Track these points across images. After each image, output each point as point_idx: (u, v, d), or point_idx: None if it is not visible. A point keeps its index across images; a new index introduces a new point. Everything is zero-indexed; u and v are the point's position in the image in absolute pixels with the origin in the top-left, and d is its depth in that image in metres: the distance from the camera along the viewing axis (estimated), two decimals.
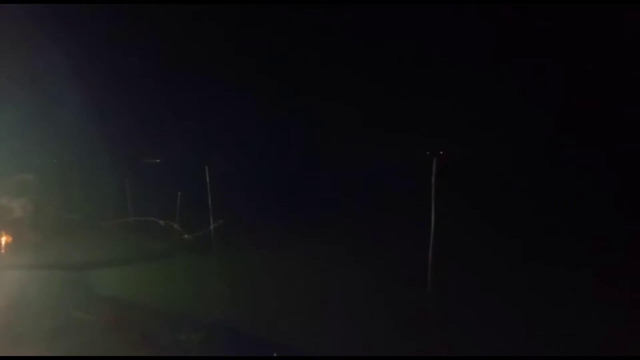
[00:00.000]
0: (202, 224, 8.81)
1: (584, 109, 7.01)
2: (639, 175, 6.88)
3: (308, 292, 6.22)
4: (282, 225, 8.25)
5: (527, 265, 6.48)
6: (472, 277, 6.26)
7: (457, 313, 5.49)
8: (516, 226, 7.22)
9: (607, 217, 7.03)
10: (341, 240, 7.31)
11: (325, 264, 7.03)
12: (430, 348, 4.77)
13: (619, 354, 4.38)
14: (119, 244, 8.40)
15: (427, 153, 7.11)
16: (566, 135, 7.21)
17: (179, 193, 9.33)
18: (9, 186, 9.76)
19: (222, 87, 8.26)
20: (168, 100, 8.30)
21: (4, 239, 8.50)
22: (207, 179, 8.87)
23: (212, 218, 8.84)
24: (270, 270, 7.10)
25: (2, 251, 8.21)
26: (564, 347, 4.58)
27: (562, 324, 5.09)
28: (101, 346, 5.05)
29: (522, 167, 7.62)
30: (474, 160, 7.77)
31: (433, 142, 7.59)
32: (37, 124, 9.76)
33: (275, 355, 4.95)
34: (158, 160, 9.63)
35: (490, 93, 7.33)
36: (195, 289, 6.54)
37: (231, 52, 7.82)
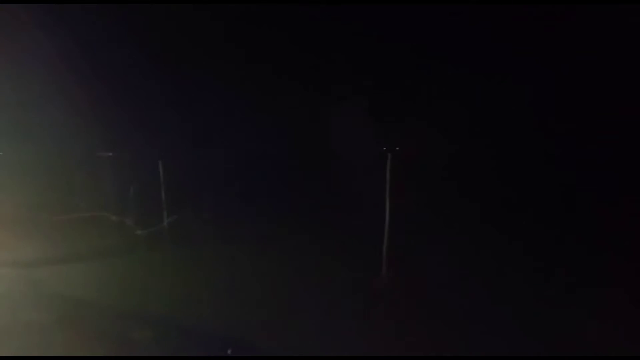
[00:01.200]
0: (156, 219, 8.64)
1: (555, 104, 7.15)
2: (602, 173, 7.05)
3: (262, 287, 6.22)
4: (239, 220, 8.20)
5: (484, 263, 6.64)
6: (425, 273, 6.40)
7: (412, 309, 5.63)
8: (474, 224, 7.33)
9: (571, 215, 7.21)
10: (299, 236, 7.34)
11: (282, 260, 7.04)
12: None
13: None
14: (66, 240, 8.12)
15: (384, 148, 7.17)
16: (534, 131, 7.35)
17: (132, 187, 9.14)
18: None
19: (179, 77, 8.05)
20: (123, 90, 8.01)
21: None
22: (162, 173, 8.71)
23: (167, 213, 8.69)
24: (224, 266, 7.05)
25: None
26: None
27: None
28: (49, 346, 4.93)
29: (481, 163, 7.74)
30: (432, 156, 7.90)
31: (390, 137, 7.66)
32: None
33: (229, 352, 4.94)
34: (111, 154, 9.36)
35: (454, 87, 7.41)
36: (147, 286, 6.43)
37: (186, 41, 7.60)
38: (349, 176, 7.13)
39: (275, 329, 5.39)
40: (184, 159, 9.01)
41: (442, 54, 6.92)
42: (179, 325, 5.55)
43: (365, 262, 6.49)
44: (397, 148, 7.31)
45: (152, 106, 8.56)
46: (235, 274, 6.83)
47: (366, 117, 7.20)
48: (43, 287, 6.41)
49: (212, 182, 8.74)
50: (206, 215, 8.38)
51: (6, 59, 8.50)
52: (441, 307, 5.64)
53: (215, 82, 7.81)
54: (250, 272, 6.89)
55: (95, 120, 8.60)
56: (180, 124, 8.52)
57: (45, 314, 5.66)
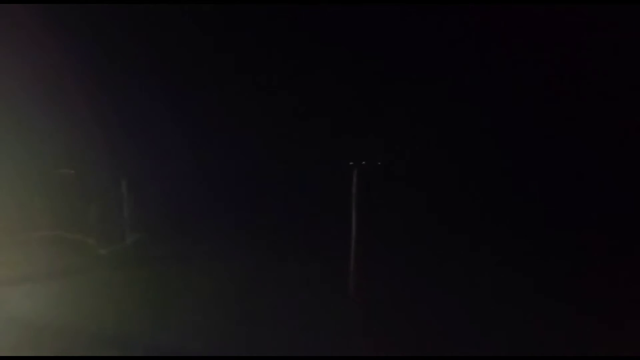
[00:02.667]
0: (119, 238, 8.45)
1: (510, 118, 7.29)
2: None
3: (225, 305, 6.15)
4: (205, 237, 8.12)
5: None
6: (394, 285, 6.46)
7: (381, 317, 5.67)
8: (442, 238, 7.43)
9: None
10: (264, 252, 7.32)
11: (246, 277, 6.98)
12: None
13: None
14: (26, 261, 7.85)
15: (350, 163, 7.23)
16: (497, 144, 7.47)
17: (95, 206, 8.93)
18: None
19: (140, 88, 7.83)
20: (83, 105, 7.74)
21: None
22: (125, 191, 8.54)
23: (131, 232, 8.51)
24: (188, 284, 6.93)
25: None
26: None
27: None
28: None
29: (446, 176, 7.87)
30: (399, 169, 8.00)
31: (357, 151, 7.73)
32: None
33: None
34: (72, 171, 9.11)
35: (419, 98, 7.44)
36: (109, 306, 6.28)
37: (147, 51, 7.41)
38: (317, 189, 7.17)
39: (244, 345, 5.34)
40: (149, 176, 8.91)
41: (404, 73, 7.07)
42: (142, 346, 5.45)
43: (333, 276, 6.51)
44: (363, 163, 7.41)
45: (115, 124, 8.41)
46: (202, 290, 6.74)
47: (334, 133, 7.27)
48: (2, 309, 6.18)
49: (179, 198, 8.65)
50: (173, 234, 8.27)
51: None
52: (411, 313, 5.75)
53: (177, 99, 7.73)
54: (217, 288, 6.80)
55: (56, 137, 8.39)
56: (145, 142, 8.40)
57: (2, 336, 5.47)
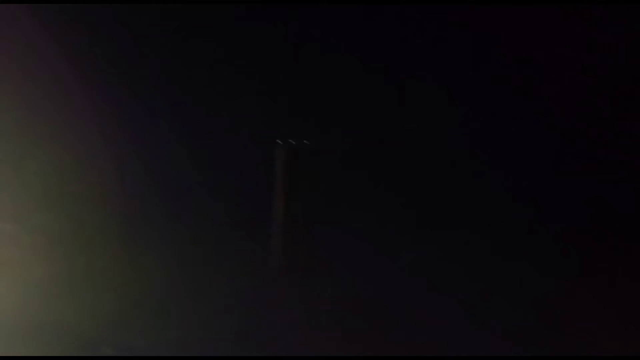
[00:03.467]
0: (42, 223, 8.11)
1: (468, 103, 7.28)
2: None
3: (156, 294, 6.12)
4: (127, 222, 7.84)
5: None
6: (320, 269, 6.47)
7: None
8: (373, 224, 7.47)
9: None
10: (179, 237, 7.16)
11: (161, 263, 6.84)
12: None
13: None
14: None
15: (278, 142, 7.08)
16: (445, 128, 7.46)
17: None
18: None
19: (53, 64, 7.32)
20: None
21: None
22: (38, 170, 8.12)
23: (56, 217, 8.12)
24: (121, 272, 6.77)
25: None
26: None
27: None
28: None
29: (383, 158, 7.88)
30: (331, 151, 7.93)
31: (286, 130, 7.55)
32: None
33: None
34: None
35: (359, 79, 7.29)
36: (39, 298, 6.22)
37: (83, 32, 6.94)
38: (240, 171, 7.05)
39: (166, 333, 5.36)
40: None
41: (334, 50, 6.93)
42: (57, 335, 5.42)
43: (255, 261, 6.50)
44: (291, 141, 7.27)
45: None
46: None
47: (258, 108, 7.09)
48: None
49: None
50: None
51: None
52: (336, 303, 5.88)
53: (87, 76, 7.28)
54: (134, 273, 6.71)
55: None
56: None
57: None
